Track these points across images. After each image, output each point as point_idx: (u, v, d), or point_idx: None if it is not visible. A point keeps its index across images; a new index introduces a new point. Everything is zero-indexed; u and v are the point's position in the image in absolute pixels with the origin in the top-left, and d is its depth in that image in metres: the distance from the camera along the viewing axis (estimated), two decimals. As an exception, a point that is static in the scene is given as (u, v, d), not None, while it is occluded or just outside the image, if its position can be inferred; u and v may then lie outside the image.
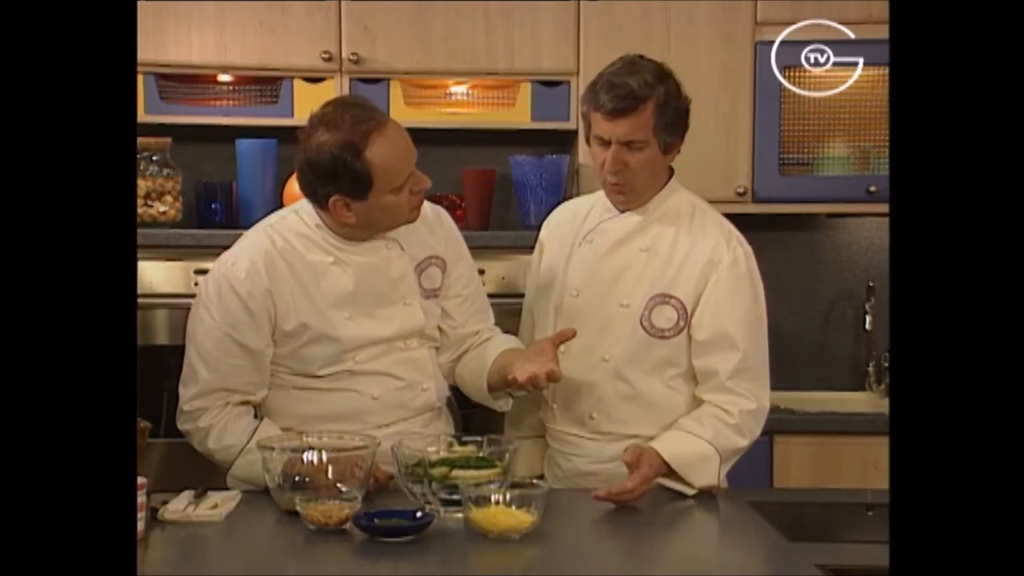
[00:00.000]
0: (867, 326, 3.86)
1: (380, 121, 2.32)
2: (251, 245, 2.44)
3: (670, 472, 2.40)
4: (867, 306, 3.85)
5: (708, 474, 2.41)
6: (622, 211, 2.58)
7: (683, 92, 2.52)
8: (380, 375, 2.45)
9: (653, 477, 2.37)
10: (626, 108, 2.43)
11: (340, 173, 2.28)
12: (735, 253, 2.51)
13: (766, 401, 2.50)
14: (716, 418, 2.46)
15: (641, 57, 2.52)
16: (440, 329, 2.57)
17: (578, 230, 2.64)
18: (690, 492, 2.43)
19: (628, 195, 2.54)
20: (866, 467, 3.34)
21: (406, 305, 2.47)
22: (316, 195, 2.35)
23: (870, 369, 3.90)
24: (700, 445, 2.42)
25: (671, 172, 2.59)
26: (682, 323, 2.50)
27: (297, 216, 2.45)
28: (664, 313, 2.50)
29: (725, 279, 2.49)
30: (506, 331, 2.74)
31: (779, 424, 3.43)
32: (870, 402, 3.79)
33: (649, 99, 2.44)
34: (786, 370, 3.79)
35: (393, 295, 2.46)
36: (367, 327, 2.43)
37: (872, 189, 3.55)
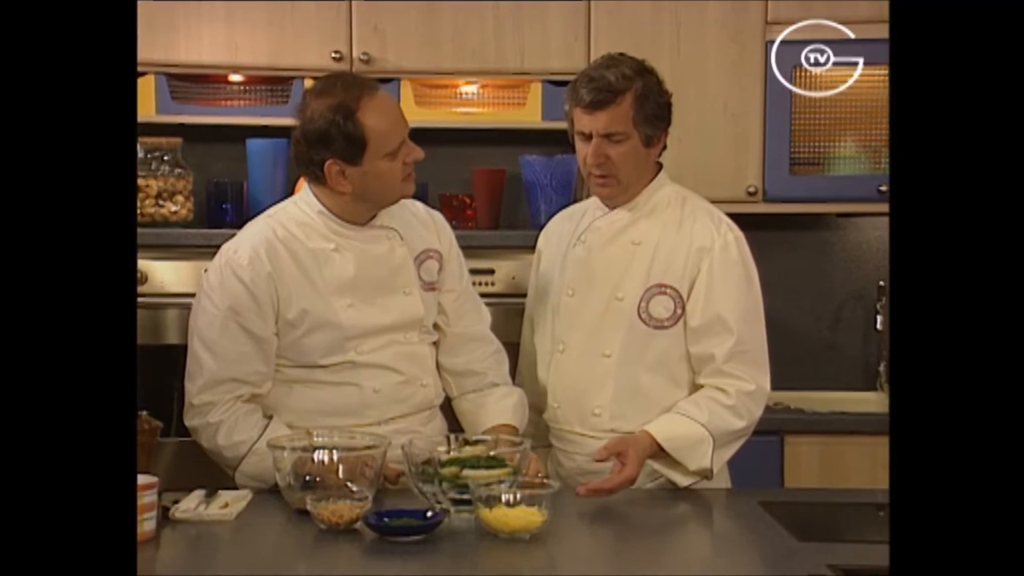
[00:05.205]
0: (878, 326, 3.85)
1: (371, 87, 2.38)
2: (252, 234, 2.45)
3: (663, 454, 2.41)
4: (878, 306, 3.84)
5: (701, 457, 2.42)
6: (612, 208, 2.59)
7: (664, 88, 2.53)
8: (381, 368, 2.45)
9: (636, 473, 2.36)
10: (604, 100, 2.45)
11: (334, 135, 2.33)
12: (725, 238, 2.52)
13: (766, 385, 2.51)
14: (713, 400, 2.47)
15: (621, 54, 2.54)
16: (436, 326, 2.58)
17: (572, 233, 2.65)
18: (682, 483, 2.44)
19: (613, 188, 2.55)
20: (876, 467, 3.33)
21: (406, 295, 2.48)
22: (312, 164, 2.38)
23: (881, 369, 3.89)
24: (694, 428, 2.43)
25: (659, 167, 2.60)
26: (679, 312, 2.51)
27: (296, 206, 2.48)
28: (661, 303, 2.51)
29: (717, 264, 2.50)
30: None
31: (789, 424, 3.43)
32: (880, 402, 3.78)
33: (627, 91, 2.46)
34: (796, 370, 3.80)
35: (393, 284, 2.47)
36: (368, 314, 2.43)
37: (883, 188, 3.54)
